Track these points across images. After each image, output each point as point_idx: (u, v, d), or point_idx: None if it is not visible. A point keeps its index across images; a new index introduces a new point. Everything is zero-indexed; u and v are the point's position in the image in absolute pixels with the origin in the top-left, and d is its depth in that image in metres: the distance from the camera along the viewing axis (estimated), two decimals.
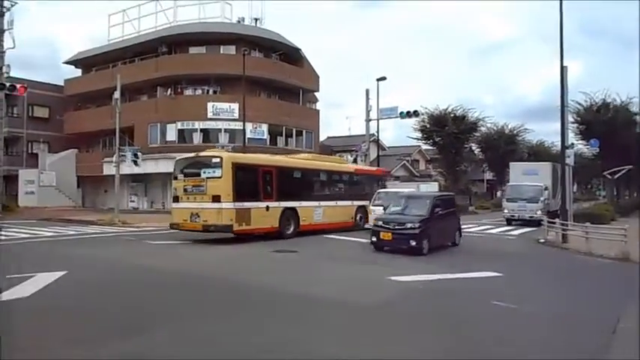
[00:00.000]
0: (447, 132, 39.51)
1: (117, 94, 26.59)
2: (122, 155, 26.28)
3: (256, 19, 38.98)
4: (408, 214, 14.48)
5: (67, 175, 39.52)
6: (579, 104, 36.45)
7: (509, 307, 8.04)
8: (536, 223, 24.28)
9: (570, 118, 30.30)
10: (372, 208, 20.63)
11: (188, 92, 37.35)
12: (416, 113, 32.76)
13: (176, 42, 37.02)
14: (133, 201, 37.63)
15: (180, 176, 16.67)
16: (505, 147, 47.96)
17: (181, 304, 7.80)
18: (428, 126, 40.72)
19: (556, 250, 16.45)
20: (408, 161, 52.28)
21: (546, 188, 26.60)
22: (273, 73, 37.11)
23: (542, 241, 18.47)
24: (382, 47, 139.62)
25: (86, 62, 42.30)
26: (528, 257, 15.15)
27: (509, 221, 26.60)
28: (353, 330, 6.64)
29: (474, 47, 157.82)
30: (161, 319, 6.89)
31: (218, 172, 15.62)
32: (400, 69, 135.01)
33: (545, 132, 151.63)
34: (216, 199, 15.45)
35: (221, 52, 37.23)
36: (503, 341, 6.19)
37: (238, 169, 15.94)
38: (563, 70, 18.30)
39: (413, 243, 13.39)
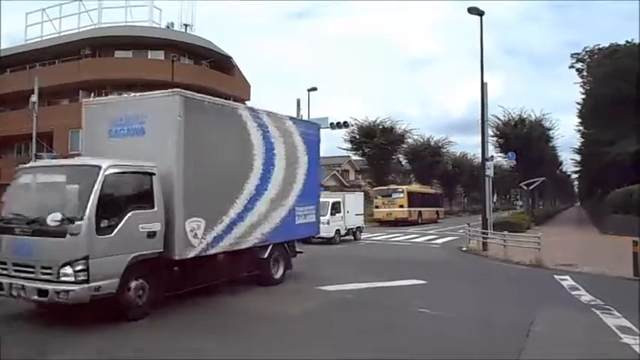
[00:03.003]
0: (376, 143, 40.53)
1: (34, 97, 25.15)
2: None
3: (186, 25, 38.02)
4: None
5: None
6: (498, 119, 38.56)
7: (432, 313, 8.36)
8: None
9: (490, 131, 31.98)
10: None
11: None
12: (346, 124, 33.35)
13: (101, 45, 35.37)
14: None
15: (379, 197, 35.91)
16: (431, 158, 49.84)
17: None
18: (357, 137, 41.61)
19: (477, 258, 17.22)
20: (338, 171, 52.91)
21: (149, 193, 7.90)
22: (204, 81, 36.33)
23: (464, 249, 19.32)
24: (314, 58, 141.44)
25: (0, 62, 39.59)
26: (451, 265, 15.74)
27: None
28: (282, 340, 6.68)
29: (403, 61, 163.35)
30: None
31: (402, 194, 35.25)
32: (332, 80, 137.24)
33: (468, 144, 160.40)
34: (401, 206, 34.68)
35: (149, 57, 36.09)
36: (426, 345, 6.51)
37: (409, 192, 36.12)
38: (483, 86, 19.29)
39: None
